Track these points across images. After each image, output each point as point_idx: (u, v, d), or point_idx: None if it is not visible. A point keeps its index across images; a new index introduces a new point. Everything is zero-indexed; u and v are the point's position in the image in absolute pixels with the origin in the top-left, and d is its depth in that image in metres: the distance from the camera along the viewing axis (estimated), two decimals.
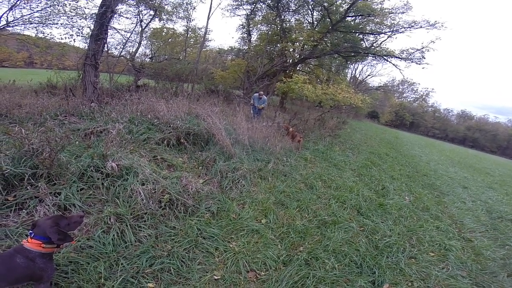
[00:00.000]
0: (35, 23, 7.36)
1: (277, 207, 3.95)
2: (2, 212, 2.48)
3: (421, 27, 14.28)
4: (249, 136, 5.94)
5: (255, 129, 6.43)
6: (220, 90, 14.57)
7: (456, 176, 9.66)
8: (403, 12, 14.36)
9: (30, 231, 1.78)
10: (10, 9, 6.90)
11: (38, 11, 7.24)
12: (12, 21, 7.09)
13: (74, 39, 7.98)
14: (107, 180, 3.19)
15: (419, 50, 14.96)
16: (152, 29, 14.63)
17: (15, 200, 2.60)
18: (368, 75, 39.79)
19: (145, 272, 2.29)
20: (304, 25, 18.27)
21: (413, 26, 14.42)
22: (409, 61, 15.53)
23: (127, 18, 11.89)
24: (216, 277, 2.43)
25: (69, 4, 7.46)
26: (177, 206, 3.22)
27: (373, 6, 14.36)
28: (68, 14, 7.54)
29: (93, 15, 7.77)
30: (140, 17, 12.45)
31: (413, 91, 58.09)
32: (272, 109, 12.56)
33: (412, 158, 11.65)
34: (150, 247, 2.54)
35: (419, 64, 15.34)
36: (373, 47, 16.80)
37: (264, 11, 18.30)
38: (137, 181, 3.26)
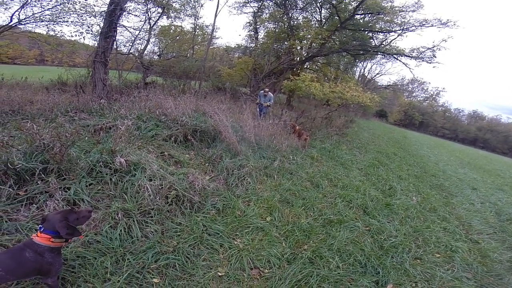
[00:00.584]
0: (46, 21, 7.51)
1: (282, 205, 3.96)
2: (13, 207, 2.54)
3: (432, 25, 14.02)
4: (255, 134, 5.95)
5: (262, 127, 6.43)
6: (227, 87, 14.61)
7: (465, 177, 9.51)
8: (413, 11, 14.16)
9: (40, 226, 1.81)
10: (22, 7, 7.04)
11: (48, 9, 7.38)
12: (24, 19, 7.24)
13: (84, 37, 8.16)
14: (115, 175, 3.25)
15: (430, 49, 14.68)
16: (160, 27, 14.81)
17: (26, 195, 2.66)
18: (377, 74, 39.38)
19: (150, 268, 2.32)
20: (312, 23, 18.14)
21: (424, 24, 14.17)
22: (419, 60, 15.26)
23: (136, 16, 12.05)
24: (220, 274, 2.45)
25: (79, 2, 7.58)
26: (183, 202, 3.25)
27: (382, 4, 14.19)
28: (78, 12, 7.68)
29: (103, 13, 7.89)
30: (148, 15, 12.58)
31: (423, 90, 57.20)
32: (278, 107, 12.54)
33: (421, 158, 11.50)
34: (156, 243, 2.58)
35: (430, 63, 15.06)
36: (382, 46, 16.58)
37: (272, 8, 18.26)
38: (145, 176, 3.30)
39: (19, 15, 7.15)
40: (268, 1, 17.62)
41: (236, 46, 21.84)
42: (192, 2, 14.62)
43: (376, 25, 15.92)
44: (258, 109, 9.64)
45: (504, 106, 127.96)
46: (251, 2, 18.07)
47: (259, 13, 18.81)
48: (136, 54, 12.94)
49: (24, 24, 7.47)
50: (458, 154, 18.73)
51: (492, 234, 4.65)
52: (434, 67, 15.18)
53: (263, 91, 9.54)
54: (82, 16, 7.85)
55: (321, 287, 2.53)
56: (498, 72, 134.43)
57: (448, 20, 13.62)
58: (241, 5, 18.27)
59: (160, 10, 12.83)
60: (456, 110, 64.74)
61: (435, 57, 14.80)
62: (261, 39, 20.41)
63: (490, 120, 62.57)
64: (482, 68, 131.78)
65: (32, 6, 7.23)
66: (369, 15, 15.39)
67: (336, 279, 2.64)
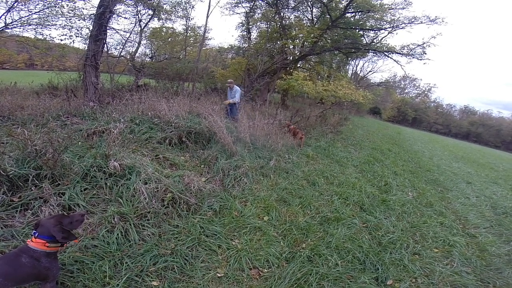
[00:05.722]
0: (34, 24, 7.38)
1: (279, 204, 3.96)
2: (8, 213, 2.50)
3: (421, 22, 14.14)
4: (250, 134, 5.94)
5: (257, 127, 6.42)
6: (218, 88, 14.54)
7: (459, 171, 9.61)
8: (403, 8, 14.25)
9: (34, 231, 1.80)
10: (8, 11, 6.92)
11: (36, 12, 7.26)
12: (11, 23, 7.12)
13: (73, 40, 8.04)
14: (110, 179, 3.21)
15: (420, 45, 14.81)
16: (151, 29, 14.61)
17: (20, 201, 2.62)
18: (369, 71, 39.61)
19: (149, 271, 2.30)
20: (304, 22, 18.15)
21: (413, 21, 14.28)
22: (410, 56, 15.39)
23: (126, 18, 11.90)
24: (219, 275, 2.43)
25: (67, 5, 7.47)
26: (179, 205, 3.23)
27: (372, 2, 14.25)
28: (66, 15, 7.56)
29: (92, 15, 7.78)
30: (139, 17, 12.45)
31: (415, 87, 57.83)
32: (273, 107, 12.56)
33: (415, 153, 11.61)
34: (154, 246, 2.56)
35: (421, 59, 15.23)
36: (373, 43, 16.68)
37: (263, 8, 18.22)
38: (140, 180, 3.27)
39: (5, 19, 7.02)
40: (260, 1, 17.61)
41: (229, 46, 21.74)
42: (183, 4, 14.49)
43: (367, 23, 16.00)
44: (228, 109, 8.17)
45: (498, 101, 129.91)
46: (243, 2, 18.03)
47: (251, 13, 18.78)
48: (128, 57, 12.82)
49: (11, 28, 7.34)
50: (451, 148, 18.94)
51: (489, 228, 4.68)
52: (424, 63, 15.48)
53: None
54: (70, 19, 7.73)
55: (321, 285, 2.53)
56: (489, 67, 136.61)
57: (436, 17, 13.76)
58: (233, 5, 18.22)
59: (150, 12, 12.71)
60: (448, 106, 65.68)
61: (425, 53, 14.96)
62: (254, 39, 20.40)
63: (482, 114, 63.52)
64: (473, 64, 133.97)
65: (18, 10, 7.11)
66: (360, 13, 15.48)
67: (336, 277, 2.64)
